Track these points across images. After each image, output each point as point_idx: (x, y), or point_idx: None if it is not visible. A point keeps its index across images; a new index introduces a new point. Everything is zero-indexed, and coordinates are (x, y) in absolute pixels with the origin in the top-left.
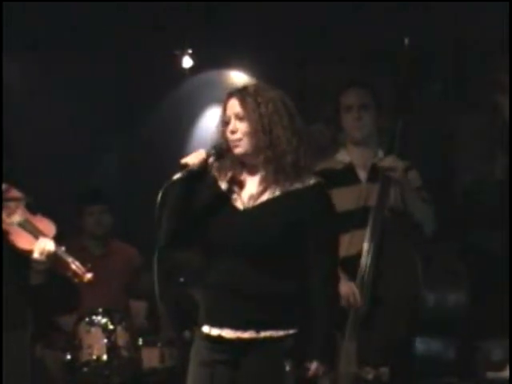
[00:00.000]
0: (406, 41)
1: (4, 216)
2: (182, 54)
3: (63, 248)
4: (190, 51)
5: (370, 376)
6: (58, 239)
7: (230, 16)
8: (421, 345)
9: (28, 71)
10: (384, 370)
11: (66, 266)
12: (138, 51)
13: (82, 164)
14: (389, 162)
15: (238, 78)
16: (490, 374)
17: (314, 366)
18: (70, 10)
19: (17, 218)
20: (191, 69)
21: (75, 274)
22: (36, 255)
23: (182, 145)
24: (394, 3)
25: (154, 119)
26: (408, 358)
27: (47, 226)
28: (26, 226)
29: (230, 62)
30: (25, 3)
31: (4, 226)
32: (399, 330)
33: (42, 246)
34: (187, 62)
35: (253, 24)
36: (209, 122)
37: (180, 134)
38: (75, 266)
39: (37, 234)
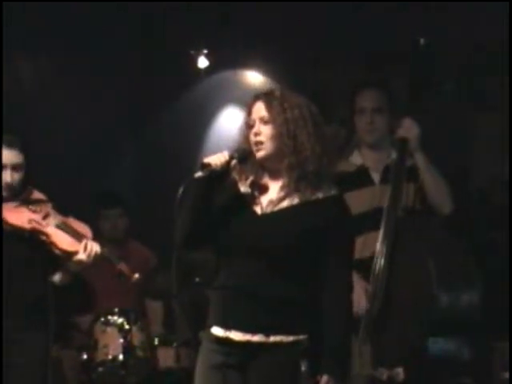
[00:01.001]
0: (422, 41)
1: (38, 218)
2: (198, 55)
3: (106, 249)
4: (205, 51)
5: (385, 377)
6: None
7: (246, 16)
8: (435, 345)
9: (42, 71)
10: (398, 370)
11: (113, 266)
12: (153, 52)
13: (97, 165)
14: (405, 126)
15: (254, 78)
16: (505, 375)
17: (324, 379)
18: (84, 10)
19: (53, 220)
20: (207, 69)
21: (122, 273)
22: (83, 256)
23: (197, 145)
24: (408, 3)
25: (170, 120)
26: (422, 358)
27: (83, 227)
28: (64, 227)
29: (245, 62)
30: (40, 3)
31: (40, 228)
32: (413, 331)
33: (89, 247)
34: (203, 63)
35: (268, 24)
36: (224, 122)
37: (195, 135)
38: (122, 266)
39: (77, 235)
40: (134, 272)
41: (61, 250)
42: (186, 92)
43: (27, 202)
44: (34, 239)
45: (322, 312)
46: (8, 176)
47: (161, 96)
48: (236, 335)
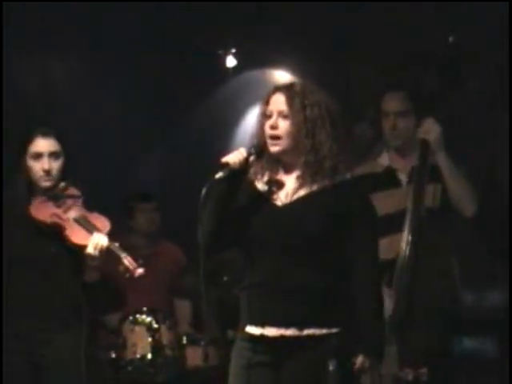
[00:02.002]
0: (451, 39)
1: (60, 212)
2: (226, 54)
3: (117, 244)
4: (233, 51)
5: (410, 377)
6: (111, 236)
7: (274, 15)
8: (459, 345)
9: (74, 71)
10: (423, 370)
11: (118, 260)
12: (181, 51)
13: (128, 164)
14: (425, 127)
15: (282, 77)
16: None
17: (359, 359)
18: (112, 10)
19: (73, 213)
20: (235, 68)
21: (127, 269)
22: (90, 250)
23: (225, 144)
24: (433, 3)
25: (198, 119)
26: (447, 358)
27: (102, 222)
28: (81, 221)
29: (273, 61)
30: (76, 3)
31: (60, 222)
32: (437, 331)
33: (96, 240)
34: (231, 62)
35: (296, 23)
36: (252, 121)
37: (224, 134)
38: (127, 261)
39: (91, 229)
40: (138, 267)
41: (73, 243)
42: (214, 91)
43: (56, 197)
44: (58, 235)
45: (352, 298)
46: (46, 163)
47: (189, 95)
48: (270, 331)
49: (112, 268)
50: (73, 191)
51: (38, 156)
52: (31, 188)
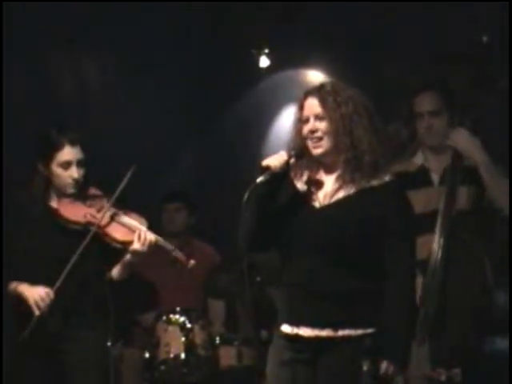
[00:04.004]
0: (485, 39)
1: (93, 211)
2: (259, 54)
3: (161, 238)
4: (266, 51)
5: (443, 377)
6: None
7: (307, 15)
8: (492, 345)
9: (106, 71)
10: (456, 371)
11: (168, 254)
12: (215, 51)
13: (160, 164)
14: (453, 138)
15: (315, 77)
16: None
17: (384, 364)
18: (147, 10)
19: (108, 212)
20: (268, 68)
21: (178, 261)
22: (136, 246)
23: (259, 144)
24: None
25: (231, 119)
26: (479, 358)
27: (139, 218)
28: (118, 219)
29: (306, 61)
30: (111, 4)
31: (95, 221)
32: (470, 331)
33: (143, 236)
34: (264, 62)
35: (329, 23)
36: (286, 121)
37: (257, 134)
38: (177, 253)
39: (131, 225)
40: (189, 259)
41: (116, 240)
42: (248, 91)
43: (83, 197)
44: (96, 235)
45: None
46: (75, 172)
47: (223, 95)
48: (305, 331)
49: (148, 267)
50: (95, 191)
51: (68, 165)
52: (48, 189)
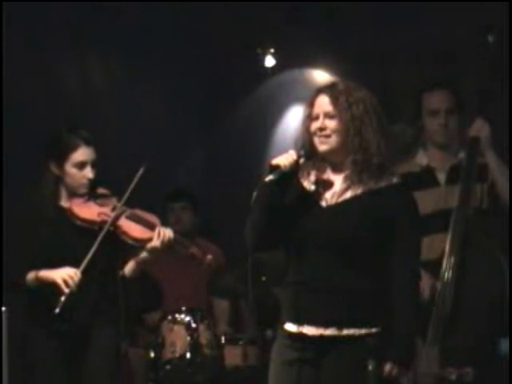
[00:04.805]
0: (490, 38)
1: (107, 210)
2: (265, 53)
3: (178, 235)
4: (272, 50)
5: (453, 376)
6: None
7: (312, 15)
8: (505, 345)
9: (115, 71)
10: (467, 370)
11: (185, 251)
12: (220, 51)
13: (168, 163)
14: (477, 126)
15: (320, 76)
16: None
17: (388, 366)
18: (153, 10)
19: (122, 211)
20: (273, 68)
21: (196, 257)
22: (155, 243)
23: (264, 143)
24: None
25: (237, 118)
26: (492, 358)
27: (151, 216)
28: (133, 217)
29: (312, 61)
30: (118, 4)
31: (110, 220)
32: (483, 331)
33: (162, 233)
34: (269, 62)
35: (335, 23)
36: (291, 120)
37: (262, 133)
38: (194, 250)
39: (147, 223)
40: (206, 254)
41: (134, 238)
42: (253, 91)
43: (94, 196)
44: (110, 233)
45: (391, 300)
46: (89, 172)
47: (228, 95)
48: (309, 330)
49: (154, 266)
50: (104, 191)
51: (83, 165)
52: (58, 189)
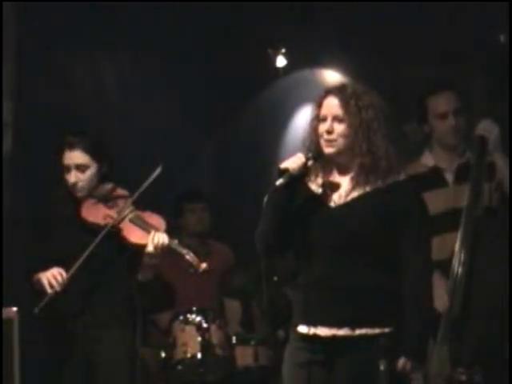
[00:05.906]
0: (502, 38)
1: (113, 213)
2: (276, 54)
3: (176, 241)
4: (283, 50)
5: (463, 377)
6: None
7: (324, 15)
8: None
9: (123, 71)
10: (477, 371)
11: (181, 257)
12: (231, 51)
13: (177, 164)
14: (485, 126)
15: (332, 76)
16: None
17: (401, 361)
18: (162, 10)
19: (127, 214)
20: (285, 68)
21: (191, 264)
22: (150, 249)
23: (275, 144)
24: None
25: (248, 119)
26: (501, 359)
27: (157, 220)
28: (137, 221)
29: (323, 61)
30: (127, 3)
31: (114, 223)
32: (492, 332)
33: (156, 239)
34: (281, 62)
35: (346, 23)
36: (302, 121)
37: (273, 133)
38: (190, 257)
39: (148, 228)
40: (201, 262)
41: (131, 243)
42: (264, 91)
43: (106, 198)
44: (113, 236)
45: (403, 298)
46: (72, 177)
47: (239, 95)
48: (322, 331)
49: (165, 267)
50: (121, 192)
51: (67, 169)
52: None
